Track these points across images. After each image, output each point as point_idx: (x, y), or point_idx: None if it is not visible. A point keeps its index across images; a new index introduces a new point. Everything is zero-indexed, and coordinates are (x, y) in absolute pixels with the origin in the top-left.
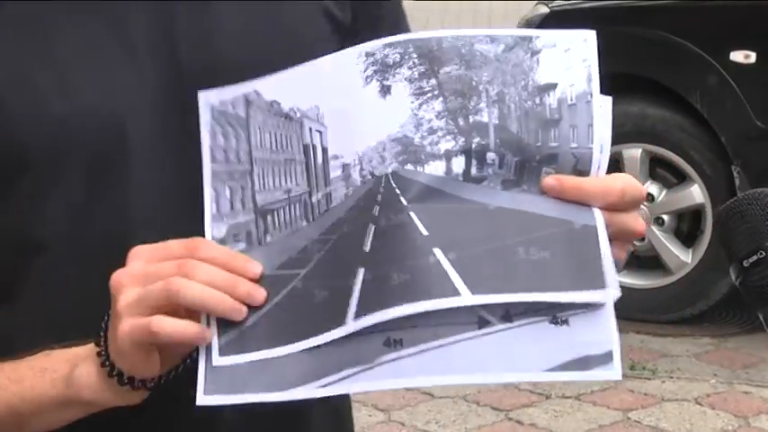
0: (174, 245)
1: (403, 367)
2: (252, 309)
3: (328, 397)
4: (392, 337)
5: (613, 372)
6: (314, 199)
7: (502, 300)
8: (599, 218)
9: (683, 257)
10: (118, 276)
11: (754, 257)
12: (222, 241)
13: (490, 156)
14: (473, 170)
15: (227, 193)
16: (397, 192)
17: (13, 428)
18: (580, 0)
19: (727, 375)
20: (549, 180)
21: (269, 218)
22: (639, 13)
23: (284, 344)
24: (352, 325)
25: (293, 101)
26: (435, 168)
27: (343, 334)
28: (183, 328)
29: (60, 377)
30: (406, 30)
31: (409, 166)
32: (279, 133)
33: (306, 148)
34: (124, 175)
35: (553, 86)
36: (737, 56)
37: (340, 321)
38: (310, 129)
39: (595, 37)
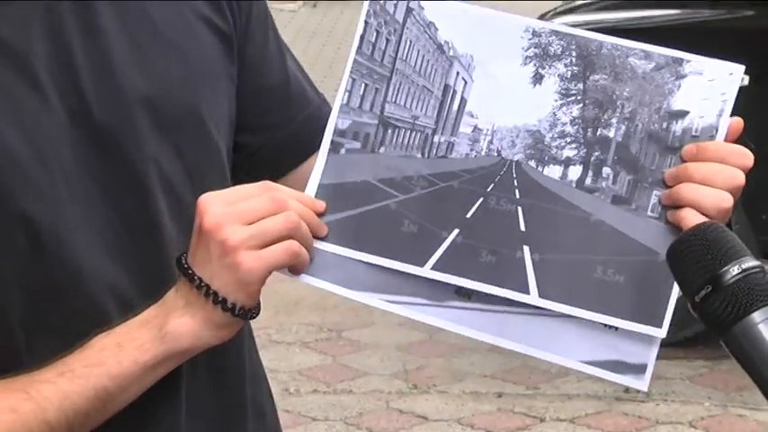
0: (250, 186)
1: (465, 317)
2: (339, 206)
3: (263, 413)
4: (465, 288)
5: (642, 383)
6: (436, 139)
7: (563, 310)
8: None
9: None
10: (211, 220)
11: (703, 292)
12: (342, 133)
13: (606, 170)
14: (587, 180)
15: (361, 89)
16: (516, 183)
17: (99, 413)
18: (574, 13)
19: (721, 398)
20: (691, 147)
21: (389, 131)
22: (630, 34)
23: (358, 249)
24: (427, 271)
25: (450, 35)
26: (553, 172)
27: (417, 274)
28: (306, 252)
29: (147, 341)
30: (273, 25)
31: (532, 163)
32: (426, 59)
33: (446, 88)
34: (58, 216)
35: (684, 114)
36: None
37: (419, 262)
38: (457, 73)
39: (742, 72)
